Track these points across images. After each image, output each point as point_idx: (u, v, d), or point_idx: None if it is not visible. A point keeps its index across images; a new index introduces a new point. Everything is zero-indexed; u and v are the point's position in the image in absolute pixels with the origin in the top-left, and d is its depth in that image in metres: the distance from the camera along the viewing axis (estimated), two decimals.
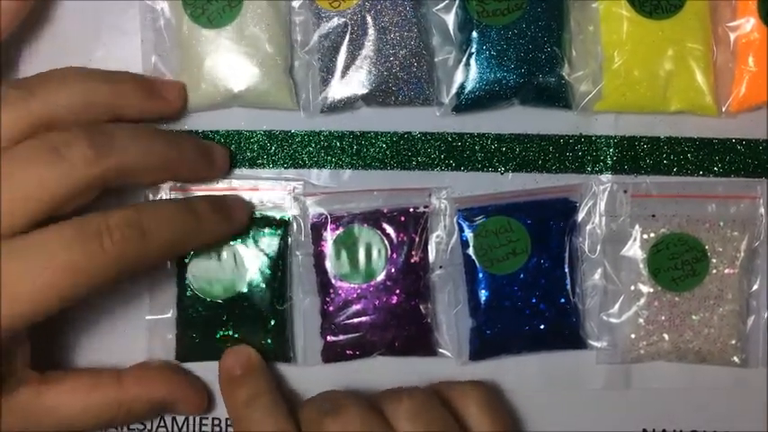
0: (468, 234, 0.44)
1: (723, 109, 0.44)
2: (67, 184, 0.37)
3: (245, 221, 0.44)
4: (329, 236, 0.44)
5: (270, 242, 0.44)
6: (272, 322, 0.44)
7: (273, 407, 0.42)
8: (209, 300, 0.44)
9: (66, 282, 0.36)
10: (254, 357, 0.44)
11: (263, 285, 0.44)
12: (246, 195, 0.45)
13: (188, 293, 0.44)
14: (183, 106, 0.44)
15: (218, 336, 0.44)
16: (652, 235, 0.44)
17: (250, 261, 0.44)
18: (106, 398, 0.41)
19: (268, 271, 0.44)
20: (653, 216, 0.44)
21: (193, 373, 0.45)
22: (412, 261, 0.44)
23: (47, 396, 0.40)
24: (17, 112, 0.38)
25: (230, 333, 0.44)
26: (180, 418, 0.46)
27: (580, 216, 0.45)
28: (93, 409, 0.41)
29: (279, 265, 0.44)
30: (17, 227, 0.36)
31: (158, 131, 0.43)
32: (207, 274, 0.44)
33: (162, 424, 0.46)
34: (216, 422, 0.46)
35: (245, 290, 0.44)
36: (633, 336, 0.44)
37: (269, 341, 0.44)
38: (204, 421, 0.46)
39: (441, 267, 0.45)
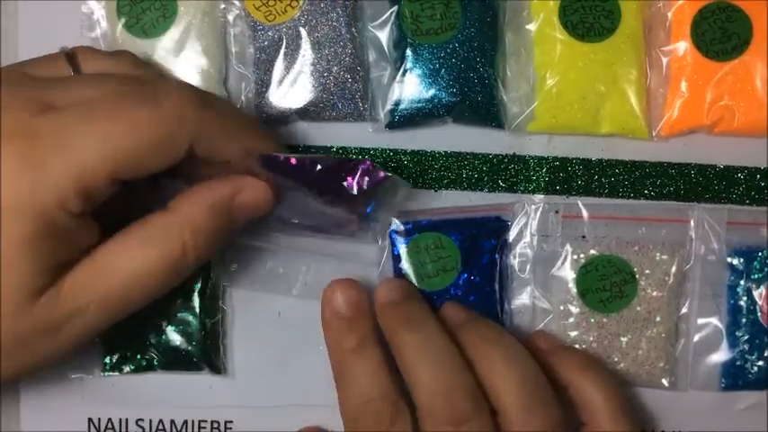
0: (401, 249, 0.45)
1: (654, 133, 0.45)
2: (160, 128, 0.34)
3: None
4: None
5: None
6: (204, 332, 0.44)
7: (380, 362, 0.38)
8: None
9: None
10: (364, 297, 0.40)
11: (196, 296, 0.44)
12: None
13: None
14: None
15: (148, 342, 0.44)
16: (582, 256, 0.44)
17: None
18: (161, 227, 0.36)
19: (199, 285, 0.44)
20: (583, 237, 0.45)
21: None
22: None
23: (103, 257, 0.35)
24: None
25: (161, 339, 0.44)
26: (179, 420, 0.46)
27: (511, 235, 0.45)
28: (151, 245, 0.35)
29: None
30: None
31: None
32: None
33: (161, 426, 0.46)
34: (215, 424, 0.46)
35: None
36: None
37: (198, 350, 0.44)
38: (203, 423, 0.46)
39: None
